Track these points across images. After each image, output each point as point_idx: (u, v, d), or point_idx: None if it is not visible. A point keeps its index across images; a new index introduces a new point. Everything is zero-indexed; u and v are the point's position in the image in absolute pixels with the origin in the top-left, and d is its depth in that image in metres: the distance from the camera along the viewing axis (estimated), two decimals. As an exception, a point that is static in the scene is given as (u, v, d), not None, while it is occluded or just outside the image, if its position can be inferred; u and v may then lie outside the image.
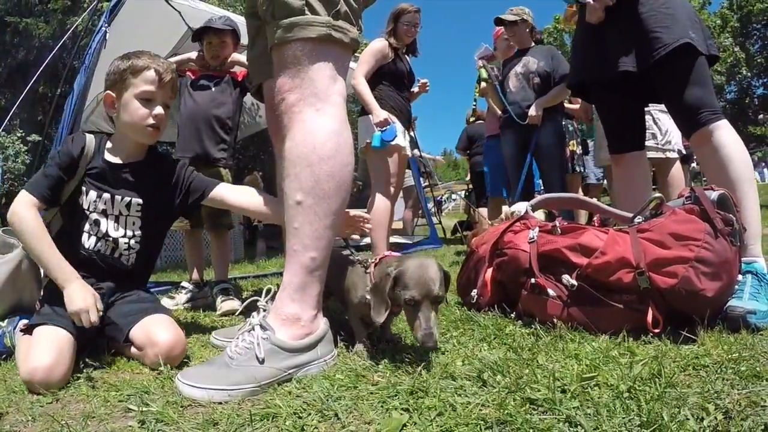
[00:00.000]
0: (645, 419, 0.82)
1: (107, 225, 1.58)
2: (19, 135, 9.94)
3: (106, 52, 3.28)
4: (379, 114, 2.98)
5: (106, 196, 1.56)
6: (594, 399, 0.91)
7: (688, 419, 0.82)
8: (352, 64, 3.99)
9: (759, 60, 26.39)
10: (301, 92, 1.23)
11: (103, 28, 3.32)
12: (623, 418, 0.84)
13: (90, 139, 1.57)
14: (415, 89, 3.61)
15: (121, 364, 1.44)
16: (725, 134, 1.70)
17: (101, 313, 1.39)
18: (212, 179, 1.73)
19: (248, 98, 3.16)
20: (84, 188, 1.55)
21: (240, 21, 2.74)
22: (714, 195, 1.47)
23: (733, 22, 25.96)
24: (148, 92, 1.54)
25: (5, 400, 1.17)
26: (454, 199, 17.36)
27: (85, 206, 1.56)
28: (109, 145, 1.61)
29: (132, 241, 1.61)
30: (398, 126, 3.09)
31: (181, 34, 4.09)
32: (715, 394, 0.91)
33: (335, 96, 1.26)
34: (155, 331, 1.41)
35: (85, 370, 1.34)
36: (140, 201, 1.60)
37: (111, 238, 1.58)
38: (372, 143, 2.99)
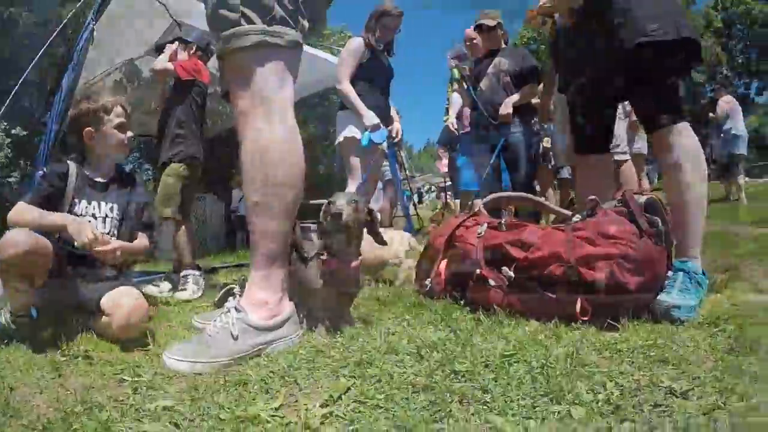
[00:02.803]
0: (548, 390, 0.96)
1: (96, 225, 1.83)
2: (2, 127, 9.69)
3: (93, 47, 3.40)
4: (371, 118, 3.05)
5: (94, 203, 1.90)
6: (510, 373, 1.05)
7: (586, 392, 0.94)
8: (329, 57, 4.09)
9: (740, 60, 26.87)
10: (250, 99, 1.35)
11: (90, 25, 3.41)
12: (530, 387, 0.98)
13: (72, 166, 1.90)
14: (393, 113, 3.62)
15: (111, 346, 1.57)
16: (681, 138, 1.74)
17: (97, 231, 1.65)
18: (145, 231, 2.02)
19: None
20: (76, 200, 1.86)
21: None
22: (642, 199, 1.65)
23: (717, 22, 26.36)
24: (120, 123, 1.96)
25: (12, 377, 1.29)
26: (434, 191, 17.54)
27: (78, 213, 1.85)
28: (86, 170, 1.94)
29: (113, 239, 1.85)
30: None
31: (166, 26, 4.18)
32: (620, 375, 1.02)
33: (282, 100, 1.37)
34: (120, 297, 1.64)
35: (81, 347, 1.49)
36: (117, 206, 1.94)
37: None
38: (361, 142, 3.07)
